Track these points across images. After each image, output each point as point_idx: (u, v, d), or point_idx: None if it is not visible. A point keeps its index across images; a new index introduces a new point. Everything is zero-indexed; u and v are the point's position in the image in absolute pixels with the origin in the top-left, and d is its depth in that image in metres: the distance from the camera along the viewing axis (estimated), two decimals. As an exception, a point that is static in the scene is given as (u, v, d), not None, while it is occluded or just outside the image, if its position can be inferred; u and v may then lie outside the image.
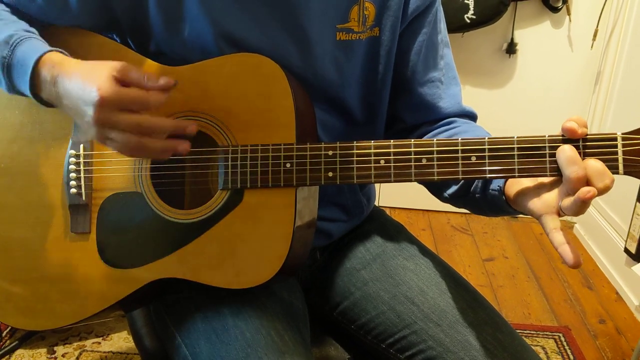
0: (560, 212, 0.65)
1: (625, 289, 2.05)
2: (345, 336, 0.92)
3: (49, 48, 0.73)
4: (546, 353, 1.74)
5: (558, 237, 0.65)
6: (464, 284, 0.88)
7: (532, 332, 1.84)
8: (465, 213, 2.66)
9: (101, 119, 0.66)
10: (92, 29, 0.82)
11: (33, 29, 0.77)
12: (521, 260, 2.31)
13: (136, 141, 0.68)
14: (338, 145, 0.73)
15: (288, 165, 0.74)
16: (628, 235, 2.03)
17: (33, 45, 0.73)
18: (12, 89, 0.75)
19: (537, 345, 1.78)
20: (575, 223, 2.58)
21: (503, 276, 2.18)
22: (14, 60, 0.73)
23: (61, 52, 0.73)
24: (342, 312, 0.90)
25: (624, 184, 1.88)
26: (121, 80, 0.67)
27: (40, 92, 0.73)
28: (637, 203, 1.95)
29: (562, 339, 1.81)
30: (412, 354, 0.82)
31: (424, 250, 0.93)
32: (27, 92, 0.73)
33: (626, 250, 2.04)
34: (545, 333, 1.84)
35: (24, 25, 0.77)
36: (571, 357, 1.73)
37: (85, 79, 0.67)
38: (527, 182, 0.69)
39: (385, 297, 0.86)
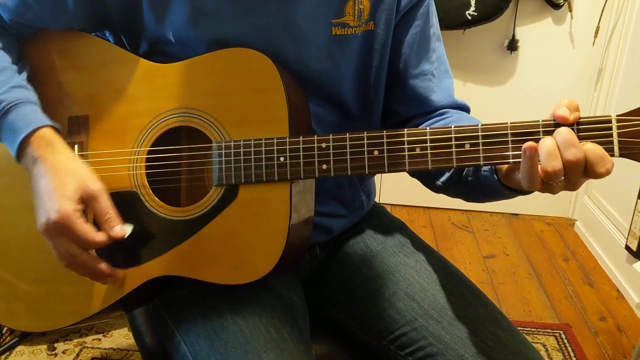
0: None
1: (626, 287, 2.05)
2: (345, 332, 0.91)
3: (41, 123, 0.74)
4: (547, 350, 1.74)
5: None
6: (465, 281, 0.88)
7: (532, 329, 1.84)
8: (465, 210, 2.66)
9: (49, 231, 0.71)
10: (85, 28, 0.82)
11: (22, 79, 0.77)
12: (522, 258, 2.31)
13: (67, 263, 0.73)
14: (331, 137, 0.73)
15: (282, 159, 0.74)
16: (629, 232, 2.02)
17: (25, 115, 0.74)
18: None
19: (537, 343, 1.77)
20: (577, 221, 2.58)
21: (503, 273, 2.18)
22: (3, 125, 0.74)
23: (53, 128, 0.74)
24: (342, 308, 0.90)
25: (626, 181, 1.88)
26: (87, 204, 0.72)
27: (20, 161, 0.75)
28: (639, 200, 1.95)
29: (563, 336, 1.81)
30: (412, 351, 0.82)
31: (425, 247, 0.93)
32: (14, 155, 0.75)
33: (627, 248, 2.04)
34: (545, 330, 1.84)
35: (13, 76, 0.77)
36: (572, 354, 1.73)
37: (55, 189, 0.71)
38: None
39: (385, 294, 0.86)
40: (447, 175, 0.82)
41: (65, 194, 0.70)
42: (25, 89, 0.76)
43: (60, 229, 0.70)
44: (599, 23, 2.34)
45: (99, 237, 0.72)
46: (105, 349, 1.66)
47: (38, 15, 0.79)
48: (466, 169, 0.78)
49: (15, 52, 0.80)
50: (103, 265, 0.74)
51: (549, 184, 0.64)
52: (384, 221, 0.99)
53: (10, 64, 0.78)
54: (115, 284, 0.79)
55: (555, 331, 1.83)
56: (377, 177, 1.57)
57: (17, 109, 0.74)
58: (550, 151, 0.62)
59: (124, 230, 0.74)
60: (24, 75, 0.78)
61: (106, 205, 0.73)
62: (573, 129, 0.63)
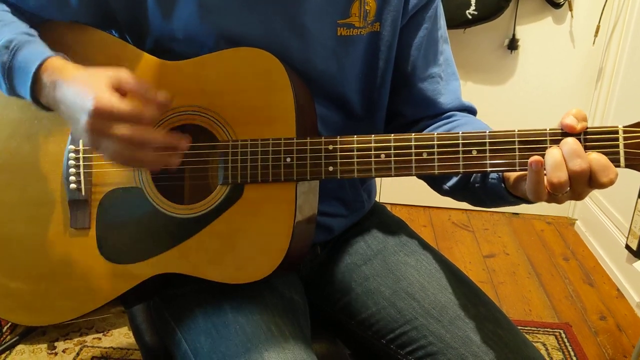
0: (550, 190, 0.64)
1: (626, 286, 2.05)
2: (345, 332, 0.92)
3: (50, 53, 0.73)
4: (547, 349, 1.74)
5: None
6: (465, 280, 0.88)
7: (532, 328, 1.84)
8: (466, 209, 2.66)
9: (94, 128, 0.66)
10: (90, 25, 0.82)
11: (33, 30, 0.77)
12: (522, 257, 2.31)
13: (127, 153, 0.68)
14: (338, 139, 0.73)
15: (288, 159, 0.74)
16: (629, 231, 2.02)
17: (34, 50, 0.73)
18: (13, 92, 0.75)
19: (537, 342, 1.77)
20: (577, 220, 2.58)
21: (504, 273, 2.18)
22: (14, 65, 0.73)
23: (62, 56, 0.73)
24: (342, 307, 0.90)
25: (626, 180, 1.89)
26: (119, 90, 0.67)
27: (40, 97, 0.73)
28: (639, 200, 1.95)
29: (563, 335, 1.81)
30: (412, 350, 0.82)
31: (425, 246, 0.93)
32: (28, 96, 0.73)
33: (627, 247, 2.04)
34: (546, 329, 1.84)
35: (23, 27, 0.77)
36: (572, 353, 1.73)
37: (83, 86, 0.67)
38: None
39: (385, 293, 0.86)
40: (454, 180, 0.83)
41: (95, 85, 0.67)
42: (33, 36, 0.76)
43: (105, 116, 0.65)
44: (599, 22, 2.34)
45: (149, 102, 0.68)
46: (105, 347, 1.66)
47: (41, 6, 0.79)
48: (473, 175, 0.78)
49: (24, 21, 0.80)
50: (164, 135, 0.69)
51: (554, 195, 0.64)
52: (385, 220, 0.99)
53: (19, 20, 0.78)
54: (116, 278, 0.78)
55: (556, 330, 1.83)
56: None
57: (27, 46, 0.73)
58: (556, 162, 0.63)
59: (167, 95, 0.69)
60: (34, 31, 0.77)
61: (139, 82, 0.69)
62: (580, 139, 0.64)
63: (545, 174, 0.64)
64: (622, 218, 2.16)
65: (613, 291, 2.09)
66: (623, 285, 2.07)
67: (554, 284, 2.12)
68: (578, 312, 1.95)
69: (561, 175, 0.62)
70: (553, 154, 0.63)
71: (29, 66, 0.71)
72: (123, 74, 0.68)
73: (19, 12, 0.81)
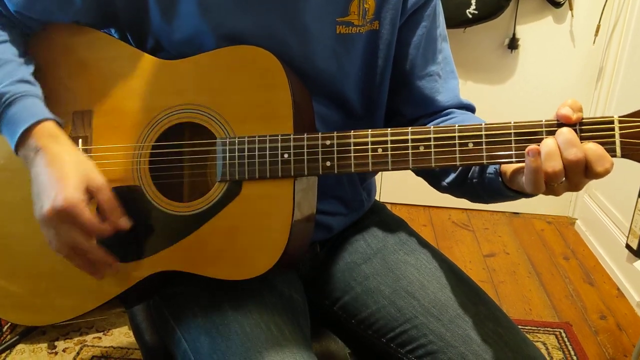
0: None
1: (626, 285, 2.05)
2: (345, 330, 0.91)
3: (43, 116, 0.74)
4: (547, 349, 1.74)
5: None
6: (465, 279, 0.88)
7: (533, 328, 1.84)
8: (466, 209, 2.66)
9: (51, 221, 0.71)
10: (90, 25, 0.82)
11: (27, 73, 0.77)
12: (522, 256, 2.31)
13: (66, 253, 0.73)
14: (335, 134, 0.73)
15: (286, 155, 0.74)
16: (629, 231, 2.02)
17: (28, 109, 0.74)
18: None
19: (538, 341, 1.77)
20: (577, 219, 2.58)
21: (504, 272, 2.18)
22: (5, 117, 0.74)
23: (55, 121, 0.74)
24: (342, 306, 0.90)
25: (626, 179, 1.88)
26: (90, 194, 0.72)
27: (19, 151, 0.74)
28: (639, 199, 1.95)
29: (563, 334, 1.81)
30: (412, 349, 0.81)
31: (425, 245, 0.93)
32: (12, 147, 0.74)
33: (627, 247, 2.04)
34: (546, 329, 1.84)
35: (20, 69, 0.77)
36: (572, 353, 1.73)
37: (60, 176, 0.71)
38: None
39: (385, 292, 0.86)
40: (452, 176, 0.82)
41: (71, 183, 0.70)
42: (29, 84, 0.76)
43: (65, 217, 0.70)
44: (599, 22, 2.34)
45: (104, 225, 0.73)
46: (105, 347, 1.66)
47: (47, 8, 0.79)
48: (471, 171, 0.78)
49: (22, 45, 0.80)
50: (102, 254, 0.75)
51: (550, 185, 0.64)
52: (385, 219, 0.99)
53: (16, 57, 0.78)
54: (115, 277, 0.79)
55: (556, 330, 1.83)
56: (378, 176, 1.57)
57: (20, 101, 0.74)
58: (551, 151, 0.63)
59: (128, 222, 0.75)
60: (30, 69, 0.78)
61: (110, 197, 0.73)
62: (575, 129, 0.64)
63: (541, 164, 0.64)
64: (623, 217, 2.16)
65: (613, 290, 2.08)
66: (623, 285, 2.07)
67: (554, 283, 2.12)
68: (578, 312, 1.94)
69: (555, 165, 0.62)
70: (548, 143, 0.63)
71: (17, 126, 0.73)
72: (102, 186, 0.73)
73: (14, 24, 0.80)
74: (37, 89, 0.76)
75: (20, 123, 0.73)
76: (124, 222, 0.74)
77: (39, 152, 0.72)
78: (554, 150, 0.63)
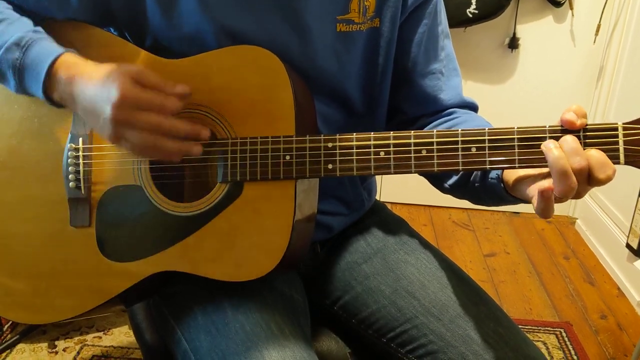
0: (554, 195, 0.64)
1: (626, 285, 2.05)
2: (345, 330, 0.91)
3: (63, 50, 0.73)
4: (547, 348, 1.74)
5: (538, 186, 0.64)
6: (465, 279, 0.88)
7: (533, 327, 1.84)
8: (466, 208, 2.66)
9: (120, 117, 0.67)
10: (88, 23, 0.82)
11: (39, 28, 0.77)
12: (522, 256, 2.31)
13: (152, 141, 0.69)
14: (337, 137, 0.73)
15: (287, 157, 0.74)
16: (630, 230, 2.02)
17: (46, 47, 0.74)
18: (21, 89, 0.76)
19: (538, 341, 1.77)
20: (577, 219, 2.58)
21: (504, 272, 2.18)
22: (26, 62, 0.73)
23: (75, 53, 0.74)
24: (342, 306, 0.90)
25: (626, 179, 1.89)
26: (139, 83, 0.68)
27: (52, 93, 0.73)
28: (639, 199, 1.95)
29: (564, 334, 1.81)
30: (413, 348, 0.81)
31: (425, 245, 0.92)
32: (39, 92, 0.73)
33: (628, 246, 2.04)
34: (546, 328, 1.84)
35: (30, 24, 0.77)
36: (572, 352, 1.73)
37: (106, 79, 0.69)
38: (526, 171, 0.69)
39: (386, 292, 0.86)
40: (454, 178, 0.83)
41: (118, 78, 0.68)
42: (41, 33, 0.76)
43: (130, 105, 0.67)
44: (600, 21, 2.34)
45: (170, 94, 0.69)
46: (105, 346, 1.66)
47: (41, 3, 0.80)
48: (473, 174, 0.78)
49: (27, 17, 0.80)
50: (187, 125, 0.71)
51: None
52: (385, 219, 0.99)
53: (23, 17, 0.78)
54: (116, 276, 0.78)
55: (556, 329, 1.83)
56: (379, 176, 1.57)
57: (37, 43, 0.74)
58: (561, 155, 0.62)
59: (185, 87, 0.71)
60: (39, 27, 0.78)
61: (156, 76, 0.70)
62: (579, 136, 0.64)
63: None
64: (623, 217, 2.16)
65: (614, 290, 2.08)
66: (624, 284, 2.07)
67: (555, 283, 2.12)
68: (579, 311, 1.94)
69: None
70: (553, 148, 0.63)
71: (42, 62, 0.72)
72: (142, 69, 0.70)
73: (20, 10, 0.81)
74: (47, 35, 0.76)
75: (43, 62, 0.72)
76: (181, 88, 0.70)
77: (74, 79, 0.71)
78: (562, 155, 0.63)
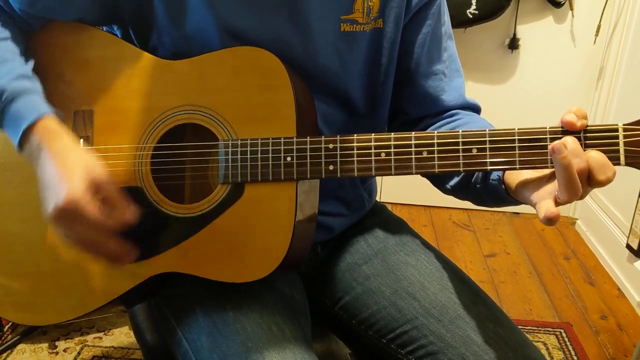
0: (557, 200, 0.64)
1: (627, 285, 2.05)
2: (346, 331, 0.92)
3: (44, 110, 0.73)
4: (548, 349, 1.74)
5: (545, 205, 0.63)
6: (465, 279, 0.88)
7: (533, 328, 1.84)
8: (467, 209, 2.66)
9: (60, 218, 0.69)
10: (94, 22, 0.82)
11: (29, 68, 0.76)
12: (523, 256, 2.31)
13: (82, 248, 0.71)
14: (338, 138, 0.73)
15: (288, 158, 0.74)
16: (630, 231, 2.02)
17: (29, 105, 0.73)
18: (2, 130, 0.76)
19: (538, 341, 1.77)
20: (578, 219, 2.58)
21: (504, 272, 2.18)
22: (6, 114, 0.73)
23: (55, 116, 0.74)
24: (343, 306, 0.90)
25: (627, 180, 1.89)
26: (95, 189, 0.70)
27: (22, 150, 0.73)
28: (639, 199, 1.95)
29: (564, 334, 1.81)
30: (413, 349, 0.82)
31: (426, 246, 0.93)
32: (15, 145, 0.73)
33: (628, 247, 2.04)
34: (546, 329, 1.84)
35: (20, 65, 0.76)
36: (572, 353, 1.73)
37: (63, 172, 0.69)
38: (528, 175, 0.69)
39: (386, 292, 0.86)
40: (456, 179, 0.83)
41: (74, 179, 0.69)
42: (30, 80, 0.76)
43: (70, 214, 0.68)
44: (600, 22, 2.34)
45: (110, 220, 0.70)
46: (106, 347, 1.66)
47: (48, 5, 0.79)
48: (475, 176, 0.78)
49: (22, 43, 0.80)
50: (116, 247, 0.72)
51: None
52: (385, 220, 0.99)
53: (16, 54, 0.77)
54: (116, 277, 0.78)
55: (556, 330, 1.83)
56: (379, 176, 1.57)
57: (22, 98, 0.73)
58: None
59: (135, 213, 0.72)
60: (30, 65, 0.77)
61: (114, 190, 0.71)
62: (579, 137, 0.64)
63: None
64: (623, 217, 2.16)
65: (614, 290, 2.08)
66: (624, 285, 2.07)
67: (555, 283, 2.12)
68: (579, 312, 1.94)
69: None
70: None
71: (20, 122, 0.72)
72: (105, 180, 0.71)
73: (15, 21, 0.80)
74: (37, 85, 0.76)
75: (22, 120, 0.72)
76: (130, 215, 0.71)
77: (42, 151, 0.71)
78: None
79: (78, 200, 0.68)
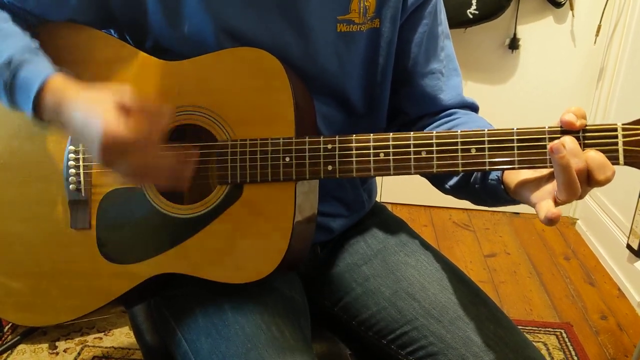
0: (557, 200, 0.64)
1: (627, 285, 2.05)
2: (346, 332, 0.91)
3: (51, 71, 0.72)
4: (548, 349, 1.74)
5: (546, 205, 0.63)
6: (465, 280, 0.88)
7: (533, 328, 1.84)
8: (467, 209, 2.66)
9: (106, 156, 0.66)
10: (86, 24, 0.82)
11: (34, 42, 0.76)
12: (523, 256, 2.31)
13: (140, 175, 0.70)
14: (337, 138, 0.73)
15: (287, 159, 0.74)
16: (630, 231, 2.02)
17: (35, 69, 0.72)
18: (15, 108, 0.75)
19: (538, 342, 1.77)
20: (578, 219, 2.58)
21: (505, 272, 2.18)
22: (16, 83, 0.72)
23: (64, 73, 0.73)
24: (343, 307, 0.90)
25: (627, 180, 1.89)
26: (124, 109, 0.67)
27: (42, 117, 0.72)
28: (640, 199, 1.95)
29: (564, 335, 1.81)
30: (413, 350, 0.82)
31: (426, 246, 0.93)
32: (30, 115, 0.72)
33: (628, 247, 2.04)
34: (547, 329, 1.84)
35: (24, 39, 0.76)
36: (573, 353, 1.73)
37: (89, 112, 0.67)
38: (527, 174, 0.69)
39: (386, 293, 0.86)
40: (455, 179, 0.83)
41: (101, 113, 0.66)
42: (32, 52, 0.75)
43: (115, 146, 0.65)
44: (600, 22, 2.34)
45: (152, 135, 0.67)
46: (106, 347, 1.67)
47: (40, 5, 0.79)
48: (474, 175, 0.78)
49: (24, 24, 0.79)
50: (174, 160, 0.70)
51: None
52: (385, 220, 0.99)
53: (22, 33, 0.77)
54: (116, 278, 0.78)
55: (557, 330, 1.83)
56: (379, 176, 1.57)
57: (27, 64, 0.72)
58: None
59: (168, 108, 0.69)
60: (34, 41, 0.77)
61: (143, 102, 0.68)
62: (578, 137, 0.64)
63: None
64: (623, 217, 2.15)
65: (614, 291, 2.08)
66: (624, 285, 2.07)
67: (555, 283, 2.12)
68: (579, 312, 1.94)
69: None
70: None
71: (30, 87, 0.71)
72: (126, 95, 0.67)
73: (15, 14, 0.80)
74: (40, 52, 0.75)
75: (31, 87, 0.71)
76: (167, 111, 0.68)
77: (61, 106, 0.70)
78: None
79: (114, 130, 0.65)
